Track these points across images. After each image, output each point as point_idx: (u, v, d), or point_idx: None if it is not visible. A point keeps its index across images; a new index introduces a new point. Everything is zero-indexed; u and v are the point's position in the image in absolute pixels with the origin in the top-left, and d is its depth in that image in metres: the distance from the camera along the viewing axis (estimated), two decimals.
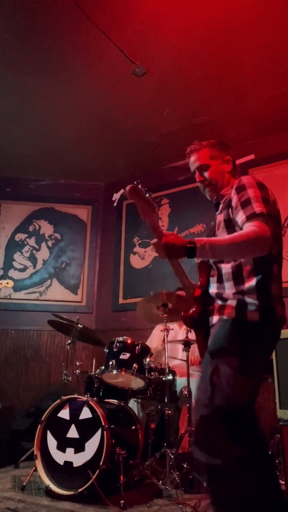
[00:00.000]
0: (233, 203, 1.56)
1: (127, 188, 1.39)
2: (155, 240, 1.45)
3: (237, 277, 1.52)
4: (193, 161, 1.79)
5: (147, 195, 1.41)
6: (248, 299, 1.47)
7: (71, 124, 3.99)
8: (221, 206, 1.71)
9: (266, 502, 1.31)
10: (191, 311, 1.68)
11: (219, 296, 1.56)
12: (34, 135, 4.15)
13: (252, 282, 1.48)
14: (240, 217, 1.50)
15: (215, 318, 1.54)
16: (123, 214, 4.85)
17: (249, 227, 1.43)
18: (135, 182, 1.41)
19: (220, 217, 1.65)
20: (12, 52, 3.15)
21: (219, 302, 1.55)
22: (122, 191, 4.89)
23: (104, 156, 4.53)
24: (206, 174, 1.75)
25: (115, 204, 4.93)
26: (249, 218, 1.46)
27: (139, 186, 1.41)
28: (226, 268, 1.56)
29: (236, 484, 1.30)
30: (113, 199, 4.94)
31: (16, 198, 4.88)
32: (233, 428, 1.35)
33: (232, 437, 1.33)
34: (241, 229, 1.49)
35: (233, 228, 1.57)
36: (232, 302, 1.49)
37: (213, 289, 1.60)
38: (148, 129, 4.04)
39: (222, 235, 1.59)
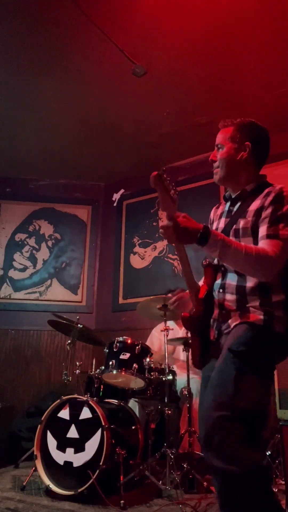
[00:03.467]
0: (264, 213, 1.47)
1: (152, 174, 1.29)
2: (164, 223, 1.33)
3: (262, 289, 1.46)
4: (217, 138, 1.71)
5: (170, 186, 1.34)
6: (276, 312, 1.43)
7: (71, 124, 3.99)
8: (243, 205, 1.59)
9: (279, 509, 1.29)
10: (192, 312, 1.58)
11: (240, 302, 1.48)
12: (34, 135, 4.15)
13: (280, 297, 1.44)
14: (262, 231, 1.45)
15: (233, 322, 1.47)
16: (123, 214, 4.85)
17: (264, 245, 1.39)
18: (162, 170, 1.31)
19: (244, 223, 1.52)
20: (12, 53, 3.15)
21: (240, 309, 1.47)
22: (122, 191, 4.89)
23: (104, 156, 4.53)
24: (218, 155, 1.66)
25: (115, 204, 4.94)
26: (269, 236, 1.41)
27: (164, 176, 1.31)
28: (249, 279, 1.48)
29: (254, 491, 1.24)
30: (113, 199, 4.94)
31: (16, 198, 4.89)
32: (253, 433, 1.29)
33: (251, 442, 1.27)
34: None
35: (256, 237, 1.49)
36: (256, 310, 1.44)
37: (230, 296, 1.51)
38: (148, 129, 4.04)
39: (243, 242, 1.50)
